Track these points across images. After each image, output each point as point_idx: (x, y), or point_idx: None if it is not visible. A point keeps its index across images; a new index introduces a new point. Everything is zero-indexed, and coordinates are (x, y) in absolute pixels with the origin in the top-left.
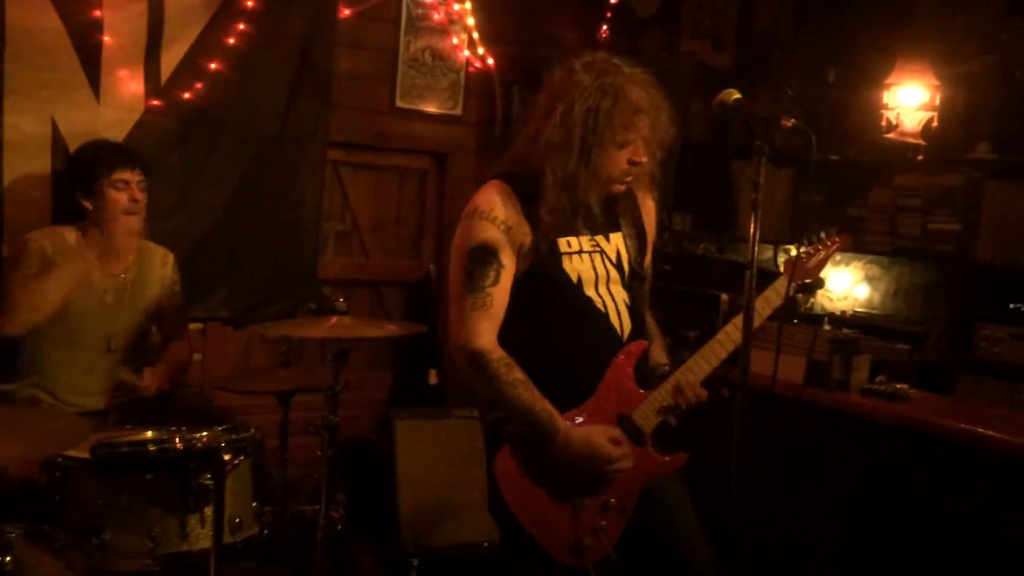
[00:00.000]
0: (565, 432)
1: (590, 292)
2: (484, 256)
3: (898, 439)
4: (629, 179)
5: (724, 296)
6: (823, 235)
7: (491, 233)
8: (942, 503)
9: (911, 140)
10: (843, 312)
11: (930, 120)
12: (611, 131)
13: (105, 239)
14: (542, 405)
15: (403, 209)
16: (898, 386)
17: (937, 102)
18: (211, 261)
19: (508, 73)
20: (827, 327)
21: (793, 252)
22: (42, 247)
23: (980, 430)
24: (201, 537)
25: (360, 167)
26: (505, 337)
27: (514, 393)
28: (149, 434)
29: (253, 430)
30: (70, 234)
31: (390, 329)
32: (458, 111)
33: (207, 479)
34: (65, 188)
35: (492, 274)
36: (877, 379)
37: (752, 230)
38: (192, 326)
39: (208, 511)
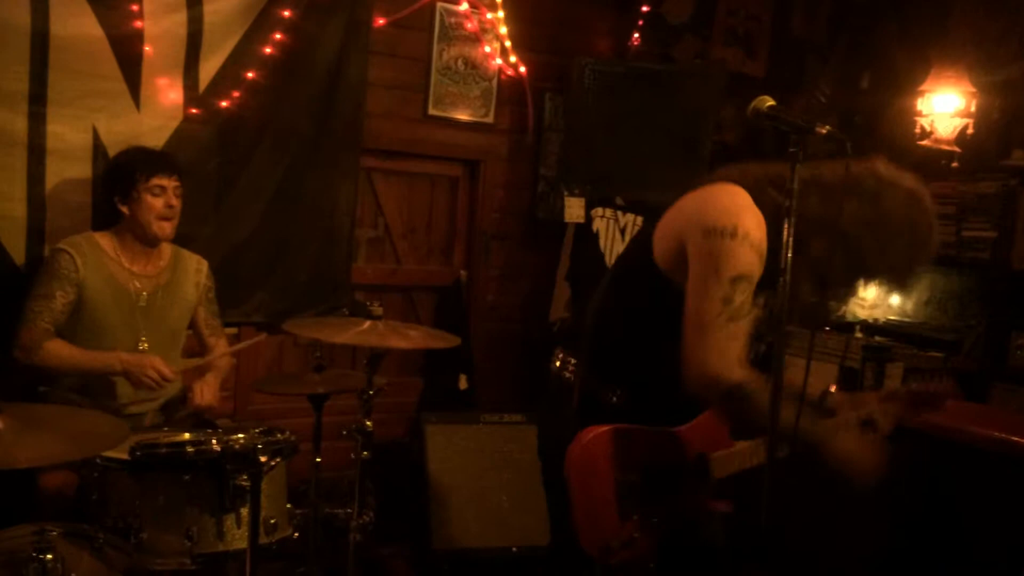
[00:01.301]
0: (845, 436)
1: None
2: (745, 287)
3: (931, 447)
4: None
5: None
6: (929, 386)
7: (754, 263)
8: (974, 509)
9: (945, 147)
10: (875, 320)
11: (965, 127)
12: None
13: (140, 244)
14: (804, 420)
15: (435, 215)
16: None
17: (973, 109)
18: (246, 267)
19: (540, 81)
20: (859, 335)
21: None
22: (74, 264)
23: (1012, 438)
24: (237, 537)
25: (392, 174)
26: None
27: (784, 414)
28: (187, 436)
29: (288, 432)
30: (105, 240)
31: (422, 339)
32: (490, 119)
33: (243, 480)
34: (103, 193)
35: (748, 304)
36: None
37: (786, 236)
38: (227, 331)
39: (244, 512)
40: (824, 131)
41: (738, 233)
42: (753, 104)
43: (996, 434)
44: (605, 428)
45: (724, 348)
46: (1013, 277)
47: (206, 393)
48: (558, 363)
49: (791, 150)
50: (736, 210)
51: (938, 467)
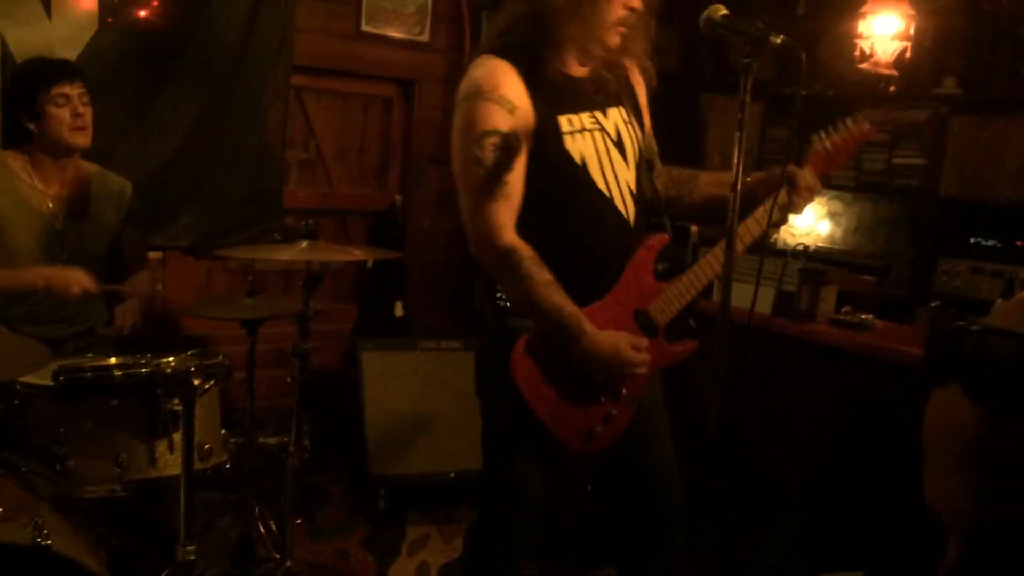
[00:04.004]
0: (592, 336)
1: (595, 176)
2: (495, 141)
3: (864, 367)
4: (624, 29)
5: (693, 228)
6: (849, 121)
7: (498, 115)
8: (906, 426)
9: (884, 71)
10: (805, 247)
11: (904, 50)
12: None
13: (54, 161)
14: (571, 308)
15: (368, 138)
16: (863, 316)
17: (911, 32)
18: (171, 187)
19: None
20: (791, 261)
21: (820, 136)
22: None
23: None
24: (169, 463)
25: (324, 93)
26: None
27: (545, 294)
28: (113, 360)
29: (222, 356)
30: (15, 160)
31: (363, 254)
32: (425, 37)
33: (175, 404)
34: (9, 113)
35: (505, 160)
36: (843, 310)
37: (736, 154)
38: (151, 255)
39: (176, 437)
40: (779, 40)
41: (474, 92)
42: (706, 13)
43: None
44: (520, 343)
45: (487, 209)
46: (940, 205)
47: (127, 315)
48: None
49: (745, 60)
50: (476, 75)
51: (870, 387)
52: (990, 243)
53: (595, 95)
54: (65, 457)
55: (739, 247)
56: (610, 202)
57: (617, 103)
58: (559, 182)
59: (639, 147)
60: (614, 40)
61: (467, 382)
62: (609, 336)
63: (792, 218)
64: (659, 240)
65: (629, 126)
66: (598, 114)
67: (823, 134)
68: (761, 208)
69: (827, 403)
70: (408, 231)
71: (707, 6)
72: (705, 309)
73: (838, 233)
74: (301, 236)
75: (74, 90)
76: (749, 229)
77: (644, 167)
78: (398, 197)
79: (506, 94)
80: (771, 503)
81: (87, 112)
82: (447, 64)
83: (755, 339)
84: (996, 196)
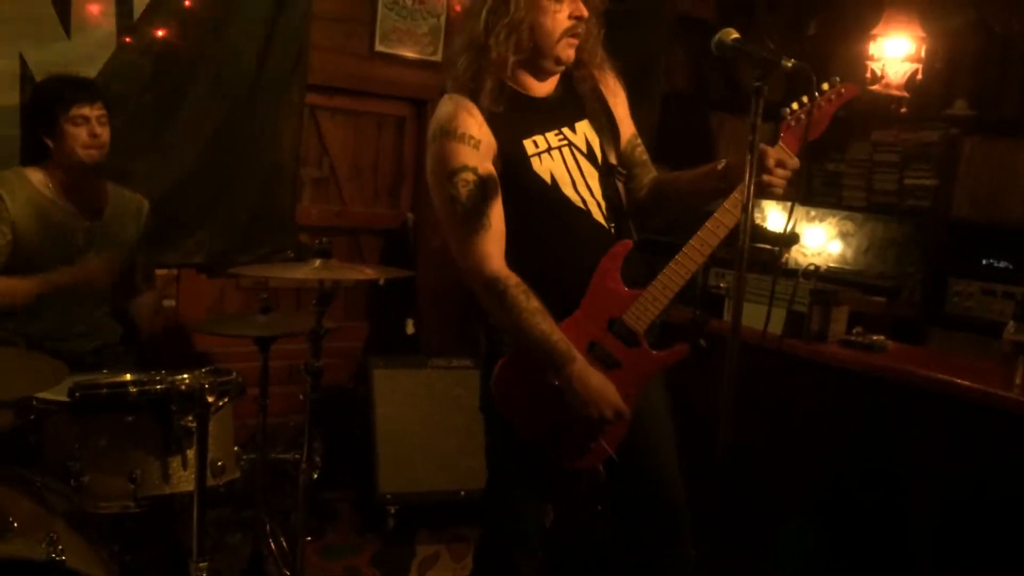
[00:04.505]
0: (581, 373)
1: (567, 192)
2: (466, 177)
3: (875, 388)
4: (575, 40)
5: None
6: (824, 86)
7: (464, 151)
8: (918, 449)
9: (895, 92)
10: (816, 267)
11: (915, 72)
12: None
13: (73, 178)
14: (559, 336)
15: (381, 156)
16: (875, 337)
17: (923, 54)
18: (186, 205)
19: None
20: (802, 281)
21: (792, 108)
22: (1, 203)
23: (956, 380)
24: (183, 480)
25: (338, 112)
26: None
27: (532, 322)
28: (129, 376)
29: (235, 373)
30: (36, 176)
31: (375, 272)
32: (438, 56)
33: (189, 421)
34: (28, 128)
35: (480, 193)
36: (854, 331)
37: (748, 176)
38: (165, 272)
39: (190, 453)
40: (790, 64)
41: (440, 133)
42: (718, 36)
43: (939, 376)
44: (502, 361)
45: (470, 242)
46: (952, 225)
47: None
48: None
49: (756, 84)
50: (439, 115)
51: (881, 408)
52: (1002, 264)
53: (561, 111)
54: (80, 473)
55: (714, 240)
56: (587, 214)
57: (583, 116)
58: (533, 204)
59: (611, 155)
60: (567, 53)
61: (477, 400)
62: (602, 380)
63: (802, 238)
64: (623, 246)
65: (597, 134)
66: (565, 130)
67: (795, 106)
68: (732, 195)
69: (838, 424)
70: (420, 249)
71: (718, 28)
72: (717, 329)
73: (849, 253)
74: (315, 254)
75: (94, 111)
76: (721, 220)
77: (608, 174)
78: (410, 215)
79: (468, 130)
80: (780, 522)
81: (104, 133)
82: None
83: (766, 359)
84: (1007, 217)
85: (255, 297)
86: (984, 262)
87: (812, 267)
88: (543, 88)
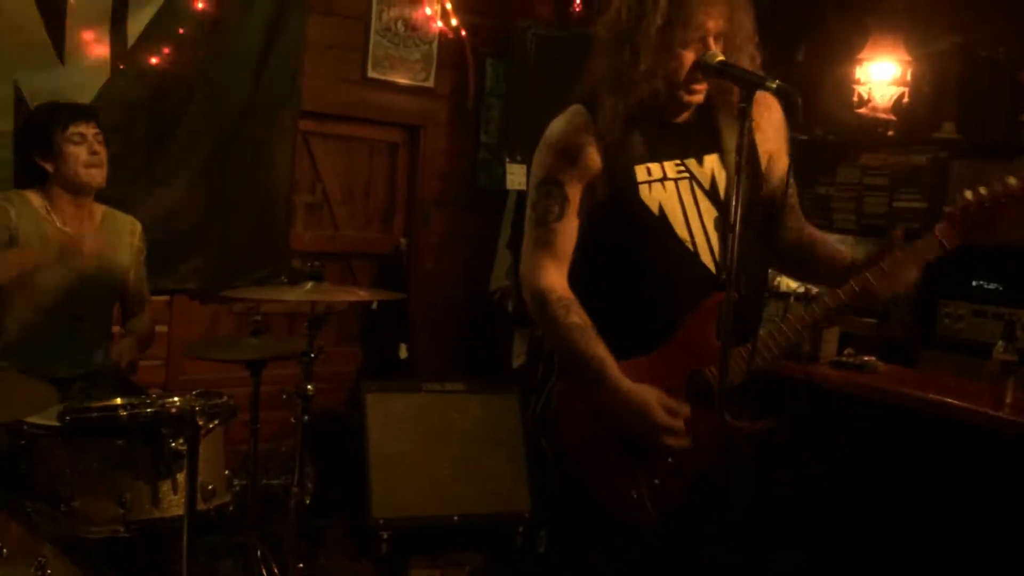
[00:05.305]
0: (614, 384)
1: (676, 225)
2: (550, 189)
3: (866, 408)
4: (702, 85)
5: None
6: (1011, 180)
7: (559, 166)
8: (910, 469)
9: (882, 115)
10: (807, 289)
11: (901, 95)
12: (668, 26)
13: (70, 201)
14: (596, 352)
15: (374, 181)
16: (866, 358)
17: (909, 78)
18: (179, 231)
19: (481, 45)
20: (794, 303)
21: (966, 195)
22: (6, 212)
23: (946, 400)
24: (173, 504)
25: (331, 138)
26: (581, 275)
27: (569, 336)
28: (119, 400)
29: (226, 396)
30: (35, 198)
31: (367, 295)
32: (430, 83)
33: (180, 444)
34: (22, 152)
35: (556, 208)
36: (845, 352)
37: (735, 194)
38: (158, 298)
39: (180, 477)
40: (775, 85)
41: (545, 143)
42: (703, 59)
43: (930, 396)
44: (562, 380)
45: (532, 252)
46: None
47: (124, 352)
48: None
49: (741, 105)
50: (555, 124)
51: (872, 428)
52: (992, 286)
53: (690, 141)
54: (70, 497)
55: (822, 314)
56: (694, 256)
57: (716, 149)
58: (636, 233)
59: (740, 199)
60: (693, 99)
61: (471, 424)
62: (639, 391)
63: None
64: (725, 298)
65: (727, 172)
66: (690, 161)
67: (968, 194)
68: (864, 275)
69: (830, 443)
70: (412, 274)
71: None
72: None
73: None
74: (307, 278)
75: (90, 129)
76: (842, 295)
77: (728, 217)
78: (403, 240)
79: (573, 147)
80: (774, 542)
81: (103, 151)
82: (452, 110)
83: (759, 379)
84: (997, 239)
85: (247, 322)
86: (974, 284)
87: (804, 289)
88: (679, 115)
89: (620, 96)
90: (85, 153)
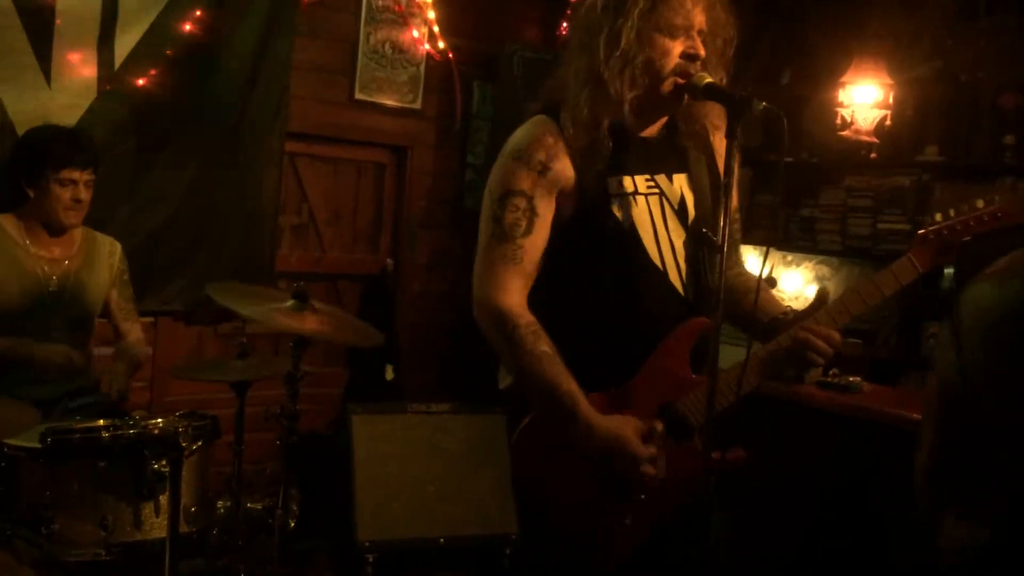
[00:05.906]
0: (587, 420)
1: (647, 242)
2: (516, 202)
3: (851, 428)
4: (684, 82)
5: None
6: (979, 203)
7: (527, 177)
8: (893, 486)
9: (865, 138)
10: (794, 311)
11: (884, 118)
12: (652, 11)
13: (44, 228)
14: (567, 386)
15: (360, 202)
16: (851, 379)
17: (891, 101)
18: (164, 252)
19: (468, 67)
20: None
21: (936, 219)
22: None
23: None
24: (155, 526)
25: (317, 159)
26: (541, 295)
27: (538, 367)
28: (101, 422)
29: (210, 417)
30: (9, 223)
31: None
32: (417, 104)
33: (163, 466)
34: (8, 172)
35: (524, 223)
36: (830, 372)
37: (723, 214)
38: (143, 319)
39: (163, 499)
40: (762, 106)
41: (509, 152)
42: (691, 81)
43: (913, 415)
44: (527, 420)
45: (495, 269)
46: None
47: (115, 379)
48: None
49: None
50: (518, 134)
51: (857, 447)
52: None
53: (661, 157)
54: (51, 520)
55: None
56: (662, 275)
57: (684, 169)
58: (604, 247)
59: (705, 221)
60: (674, 93)
61: (458, 446)
62: (614, 422)
63: (779, 283)
64: (698, 324)
65: (698, 196)
66: (660, 177)
67: (938, 217)
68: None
69: (815, 463)
70: (399, 295)
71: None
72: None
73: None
74: (291, 297)
75: (83, 176)
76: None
77: (697, 239)
78: (389, 261)
79: (541, 156)
80: (761, 560)
81: (87, 197)
82: (439, 131)
83: (745, 400)
84: (981, 260)
85: (233, 344)
86: None
87: (790, 310)
88: (648, 129)
89: (592, 94)
90: (68, 197)
